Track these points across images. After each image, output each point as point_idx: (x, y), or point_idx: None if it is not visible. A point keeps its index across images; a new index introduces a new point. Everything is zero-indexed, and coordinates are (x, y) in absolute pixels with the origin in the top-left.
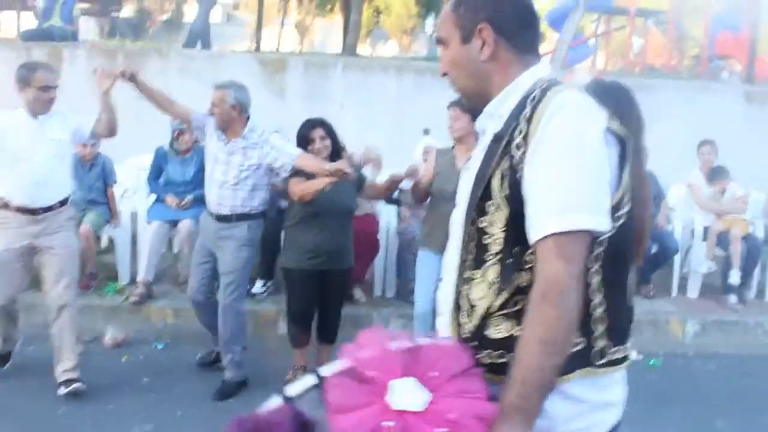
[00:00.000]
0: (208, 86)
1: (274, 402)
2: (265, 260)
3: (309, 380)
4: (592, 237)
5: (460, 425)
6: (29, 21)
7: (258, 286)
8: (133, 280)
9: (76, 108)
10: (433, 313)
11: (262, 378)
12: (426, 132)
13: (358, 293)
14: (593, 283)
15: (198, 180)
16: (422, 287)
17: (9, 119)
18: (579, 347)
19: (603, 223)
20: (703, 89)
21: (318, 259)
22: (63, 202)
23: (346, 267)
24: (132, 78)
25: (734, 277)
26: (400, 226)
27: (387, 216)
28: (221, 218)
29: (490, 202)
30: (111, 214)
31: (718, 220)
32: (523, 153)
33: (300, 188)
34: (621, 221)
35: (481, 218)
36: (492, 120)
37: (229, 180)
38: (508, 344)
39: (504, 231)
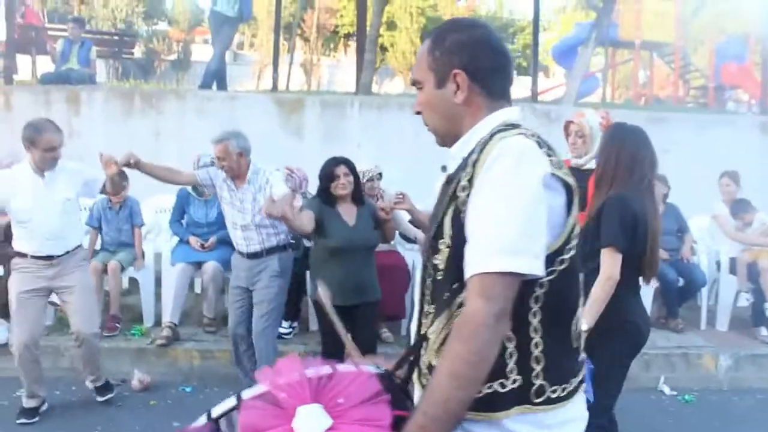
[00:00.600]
0: (225, 126)
1: (201, 421)
2: (291, 301)
3: (230, 402)
4: (526, 280)
5: None
6: (46, 65)
7: (285, 327)
8: (158, 322)
9: (93, 149)
10: None
11: None
12: (444, 169)
13: (385, 333)
14: (532, 323)
15: (220, 221)
16: None
17: (17, 178)
18: (516, 384)
19: (534, 267)
20: (715, 121)
21: (344, 295)
22: (75, 248)
23: (373, 300)
24: (136, 164)
25: None
26: None
27: (411, 255)
28: (252, 255)
29: (441, 241)
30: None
31: (743, 252)
32: (467, 195)
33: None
34: (564, 265)
35: (435, 256)
36: (454, 162)
37: (249, 222)
38: None
39: (451, 268)
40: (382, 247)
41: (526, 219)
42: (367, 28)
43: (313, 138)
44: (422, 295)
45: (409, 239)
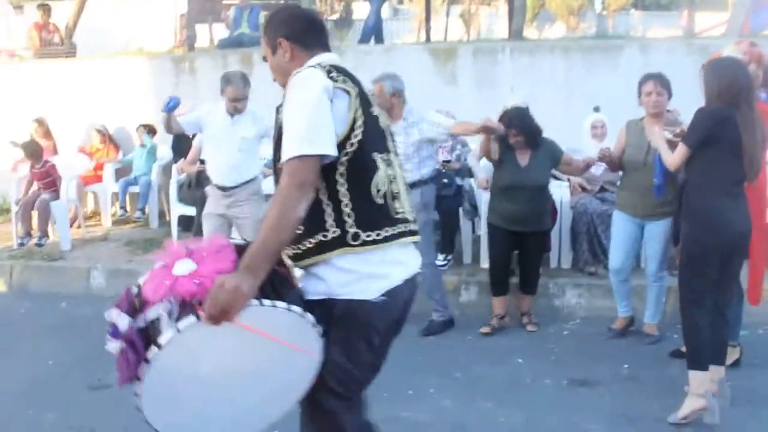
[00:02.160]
0: None
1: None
2: (445, 236)
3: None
4: (328, 160)
5: (205, 277)
6: (221, 31)
7: (440, 259)
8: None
9: (266, 104)
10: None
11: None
12: (596, 109)
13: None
14: (341, 191)
15: None
16: (616, 244)
17: (211, 114)
18: (336, 234)
19: (321, 149)
20: None
21: (514, 224)
22: (247, 182)
23: (539, 230)
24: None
25: None
26: (571, 200)
27: (559, 192)
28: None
29: (280, 152)
30: None
31: None
32: (281, 114)
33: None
34: (354, 147)
35: (279, 159)
36: None
37: (406, 154)
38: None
39: None
40: None
41: (312, 117)
42: None
43: (466, 85)
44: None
45: (557, 177)
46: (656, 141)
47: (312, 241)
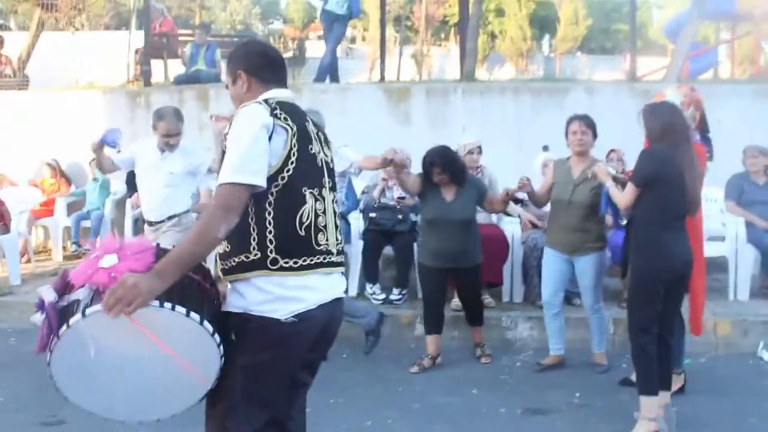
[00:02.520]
0: (338, 116)
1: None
2: (400, 271)
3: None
4: (258, 189)
5: (119, 272)
6: (175, 68)
7: (395, 294)
8: None
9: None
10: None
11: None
12: (545, 148)
13: (488, 299)
14: (267, 218)
15: None
16: (546, 280)
17: (143, 150)
18: (258, 257)
19: (250, 180)
20: None
21: (443, 259)
22: (174, 216)
23: (471, 265)
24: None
25: None
26: (522, 235)
27: (510, 228)
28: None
29: None
30: None
31: None
32: (226, 140)
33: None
34: (285, 180)
35: None
36: None
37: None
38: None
39: None
40: (483, 220)
41: (248, 149)
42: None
43: (419, 124)
44: None
45: (509, 214)
46: (603, 177)
47: (236, 259)
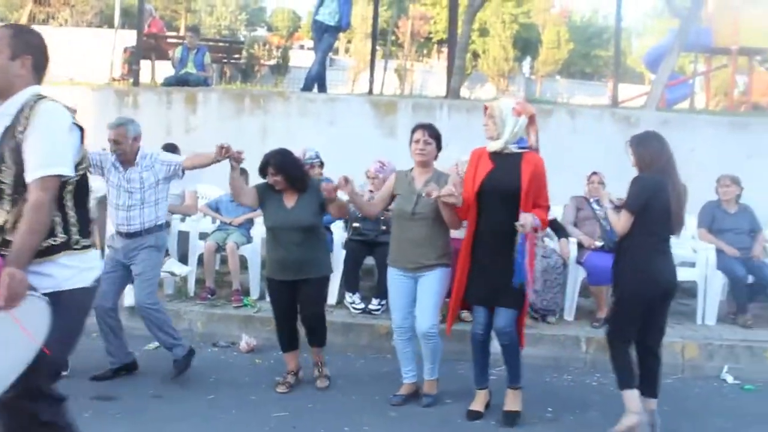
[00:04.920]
0: (325, 126)
1: None
2: (380, 281)
3: None
4: (63, 179)
5: None
6: (164, 69)
7: (374, 304)
8: (262, 296)
9: (207, 143)
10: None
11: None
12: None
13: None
14: (68, 205)
15: None
16: (394, 303)
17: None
18: (63, 239)
19: (65, 171)
20: None
21: (289, 272)
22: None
23: (315, 276)
24: None
25: None
26: None
27: None
28: (131, 235)
29: (3, 165)
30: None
31: None
32: (22, 135)
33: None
34: (81, 172)
35: (0, 175)
36: (2, 117)
37: (135, 203)
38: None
39: (13, 180)
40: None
41: (62, 145)
42: (458, 36)
43: (405, 137)
44: None
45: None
46: (604, 201)
47: (43, 245)
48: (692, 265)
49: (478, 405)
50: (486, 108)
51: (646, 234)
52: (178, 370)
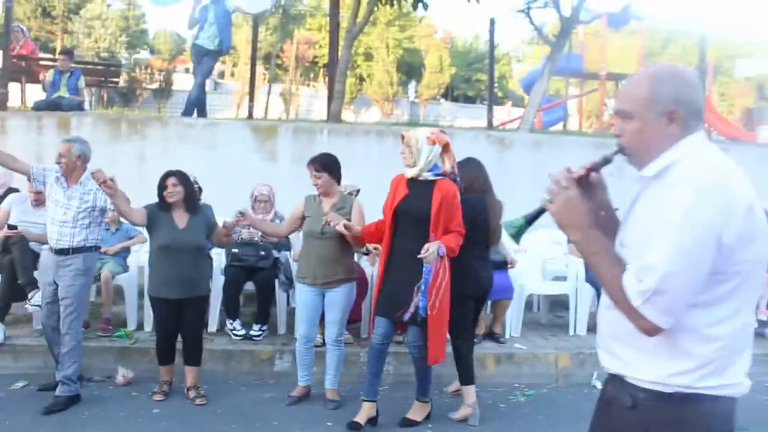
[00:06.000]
0: (205, 151)
1: None
2: (261, 307)
3: None
4: None
5: None
6: (35, 93)
7: (255, 329)
8: (140, 326)
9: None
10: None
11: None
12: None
13: (347, 335)
14: None
15: None
16: (301, 316)
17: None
18: None
19: None
20: None
21: (170, 288)
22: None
23: (197, 295)
24: None
25: None
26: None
27: (369, 268)
28: (59, 252)
29: None
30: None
31: None
32: None
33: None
34: None
35: None
36: None
37: (68, 219)
38: None
39: None
40: None
41: None
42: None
43: (285, 162)
44: None
45: (363, 253)
46: None
47: None
48: (564, 278)
49: (360, 417)
50: (403, 137)
51: (470, 244)
52: (52, 407)
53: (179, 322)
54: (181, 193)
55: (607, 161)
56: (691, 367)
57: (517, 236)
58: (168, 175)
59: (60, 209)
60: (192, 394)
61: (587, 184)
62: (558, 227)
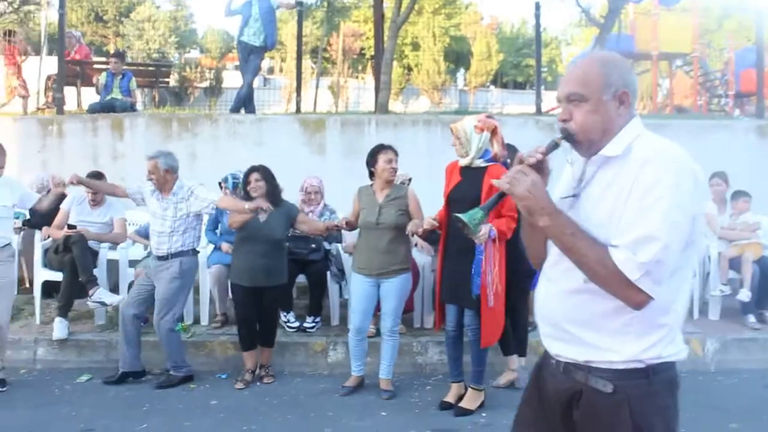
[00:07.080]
0: (254, 147)
1: None
2: (313, 299)
3: None
4: None
5: None
6: (89, 96)
7: (308, 322)
8: (196, 320)
9: (136, 170)
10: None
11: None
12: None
13: (399, 325)
14: None
15: None
16: (355, 306)
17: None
18: None
19: None
20: (713, 126)
21: (251, 277)
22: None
23: (275, 284)
24: (79, 182)
25: (743, 295)
26: (433, 263)
27: (421, 258)
28: (159, 258)
29: None
30: None
31: (730, 246)
32: None
33: (231, 220)
34: None
35: None
36: None
37: (164, 230)
38: None
39: None
40: None
41: None
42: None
43: (334, 155)
44: None
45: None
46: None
47: None
48: None
49: (450, 396)
50: (452, 130)
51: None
52: (163, 382)
53: (260, 308)
54: (264, 187)
55: (555, 146)
56: (660, 337)
57: (476, 227)
58: (252, 170)
59: (158, 221)
60: (262, 372)
61: (540, 169)
62: (526, 214)
